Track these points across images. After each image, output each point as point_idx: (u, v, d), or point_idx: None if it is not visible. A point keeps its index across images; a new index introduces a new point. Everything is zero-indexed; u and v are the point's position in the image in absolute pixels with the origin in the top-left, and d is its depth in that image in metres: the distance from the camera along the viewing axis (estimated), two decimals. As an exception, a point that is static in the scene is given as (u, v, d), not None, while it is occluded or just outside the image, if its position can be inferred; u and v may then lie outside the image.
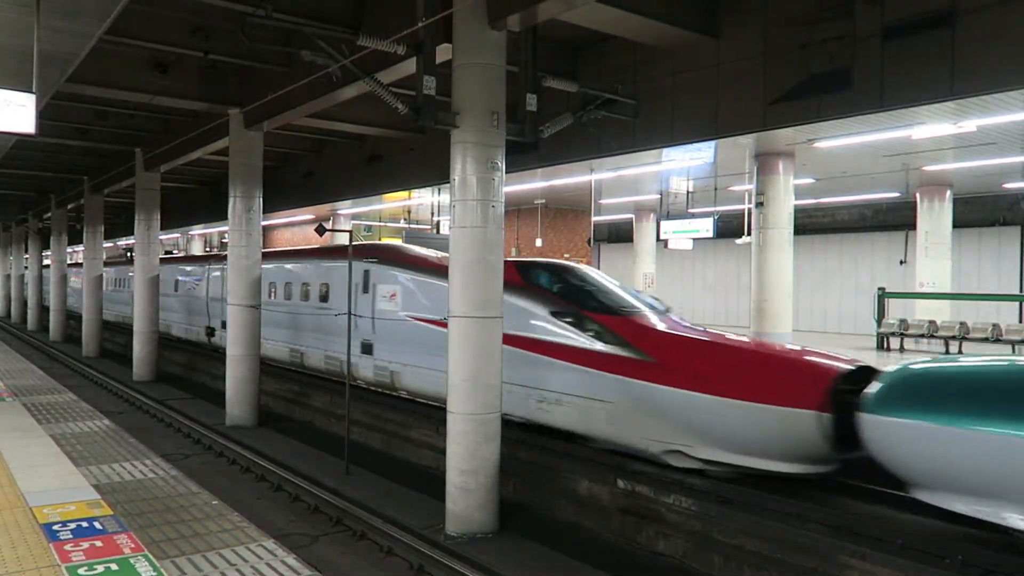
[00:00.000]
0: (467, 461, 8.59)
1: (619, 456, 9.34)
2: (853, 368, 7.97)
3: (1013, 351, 17.94)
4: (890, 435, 6.78)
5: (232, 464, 11.85)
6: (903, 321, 20.15)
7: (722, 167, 17.85)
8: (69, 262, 34.51)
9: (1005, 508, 6.11)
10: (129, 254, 34.40)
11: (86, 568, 4.46)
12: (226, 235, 19.53)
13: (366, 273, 13.89)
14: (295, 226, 36.38)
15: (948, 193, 20.79)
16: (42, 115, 8.59)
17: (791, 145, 15.30)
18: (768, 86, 9.73)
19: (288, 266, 17.81)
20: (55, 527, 5.13)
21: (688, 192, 20.69)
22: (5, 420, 8.72)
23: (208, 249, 45.41)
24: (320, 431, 14.98)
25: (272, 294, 17.89)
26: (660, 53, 10.89)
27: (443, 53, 8.95)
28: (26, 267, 40.35)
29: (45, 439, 7.85)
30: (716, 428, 8.29)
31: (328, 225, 24.48)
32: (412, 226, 29.99)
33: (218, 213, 25.64)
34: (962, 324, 19.02)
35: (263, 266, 15.67)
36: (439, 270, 12.28)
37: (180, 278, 24.49)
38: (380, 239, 31.49)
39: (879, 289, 21.51)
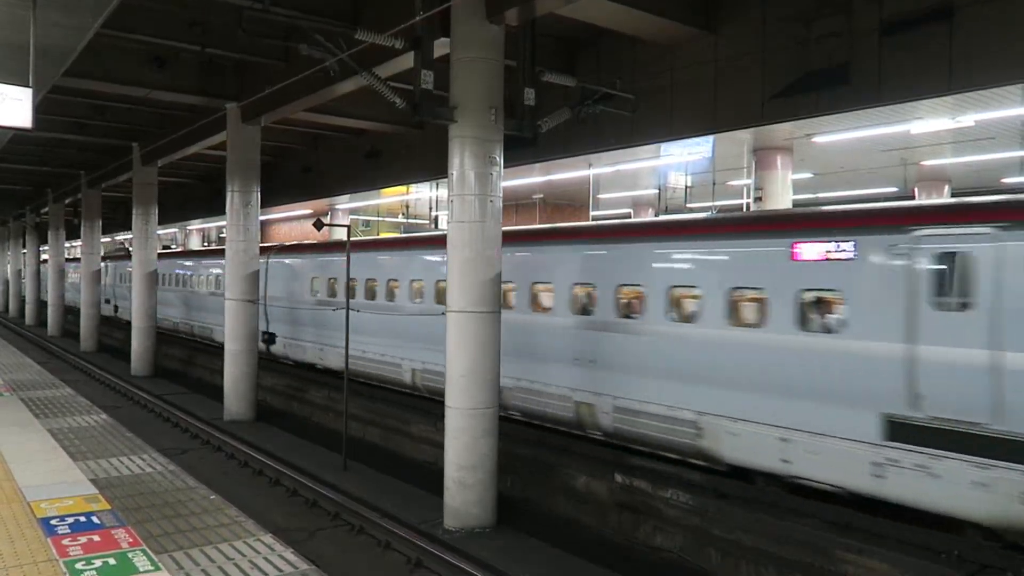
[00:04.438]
0: (465, 456, 8.60)
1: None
2: None
3: None
4: None
5: (230, 459, 11.85)
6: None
7: (720, 162, 17.78)
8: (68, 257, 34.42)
9: None
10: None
11: (84, 562, 4.46)
12: (224, 230, 19.39)
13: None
14: (293, 221, 36.30)
15: (946, 188, 20.76)
16: (39, 109, 8.54)
17: (789, 140, 15.28)
18: (766, 81, 9.72)
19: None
20: (53, 521, 5.13)
21: (686, 187, 20.62)
22: (3, 415, 8.71)
23: (206, 244, 45.25)
24: (318, 426, 14.98)
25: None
26: (658, 48, 10.86)
27: (441, 47, 8.93)
28: (24, 262, 40.31)
29: (43, 434, 7.85)
30: None
31: (325, 220, 24.45)
32: (410, 221, 29.91)
33: (216, 208, 25.57)
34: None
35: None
36: None
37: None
38: (379, 234, 31.43)
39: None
